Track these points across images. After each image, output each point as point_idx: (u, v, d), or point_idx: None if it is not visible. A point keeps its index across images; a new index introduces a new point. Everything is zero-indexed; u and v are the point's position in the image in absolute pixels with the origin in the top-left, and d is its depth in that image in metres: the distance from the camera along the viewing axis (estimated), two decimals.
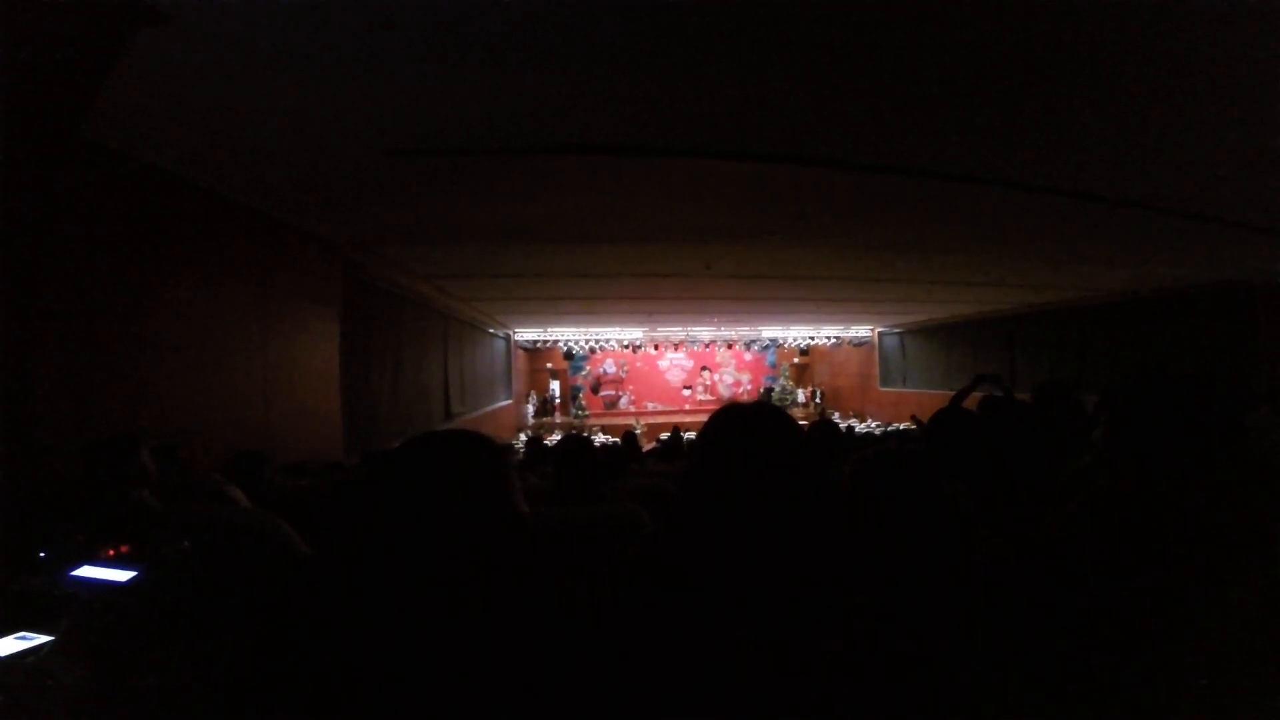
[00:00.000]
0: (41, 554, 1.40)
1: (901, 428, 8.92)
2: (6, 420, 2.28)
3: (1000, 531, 1.30)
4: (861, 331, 14.80)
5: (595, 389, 16.00)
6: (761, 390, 16.20)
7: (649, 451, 6.83)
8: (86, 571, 1.35)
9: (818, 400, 15.78)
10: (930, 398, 11.36)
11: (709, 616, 0.78)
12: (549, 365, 15.41)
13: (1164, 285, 7.66)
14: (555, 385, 15.52)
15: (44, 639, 1.13)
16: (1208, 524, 1.08)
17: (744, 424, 0.91)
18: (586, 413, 15.24)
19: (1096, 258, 5.96)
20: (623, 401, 16.14)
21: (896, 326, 14.06)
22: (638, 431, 8.97)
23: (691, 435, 6.34)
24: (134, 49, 1.92)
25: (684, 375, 16.42)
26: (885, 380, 14.80)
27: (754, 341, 15.07)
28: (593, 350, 14.45)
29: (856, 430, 10.39)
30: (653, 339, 14.24)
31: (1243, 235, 4.62)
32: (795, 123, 2.77)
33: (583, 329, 13.54)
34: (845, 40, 2.08)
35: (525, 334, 13.70)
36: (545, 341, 14.06)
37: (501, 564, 0.83)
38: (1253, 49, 2.07)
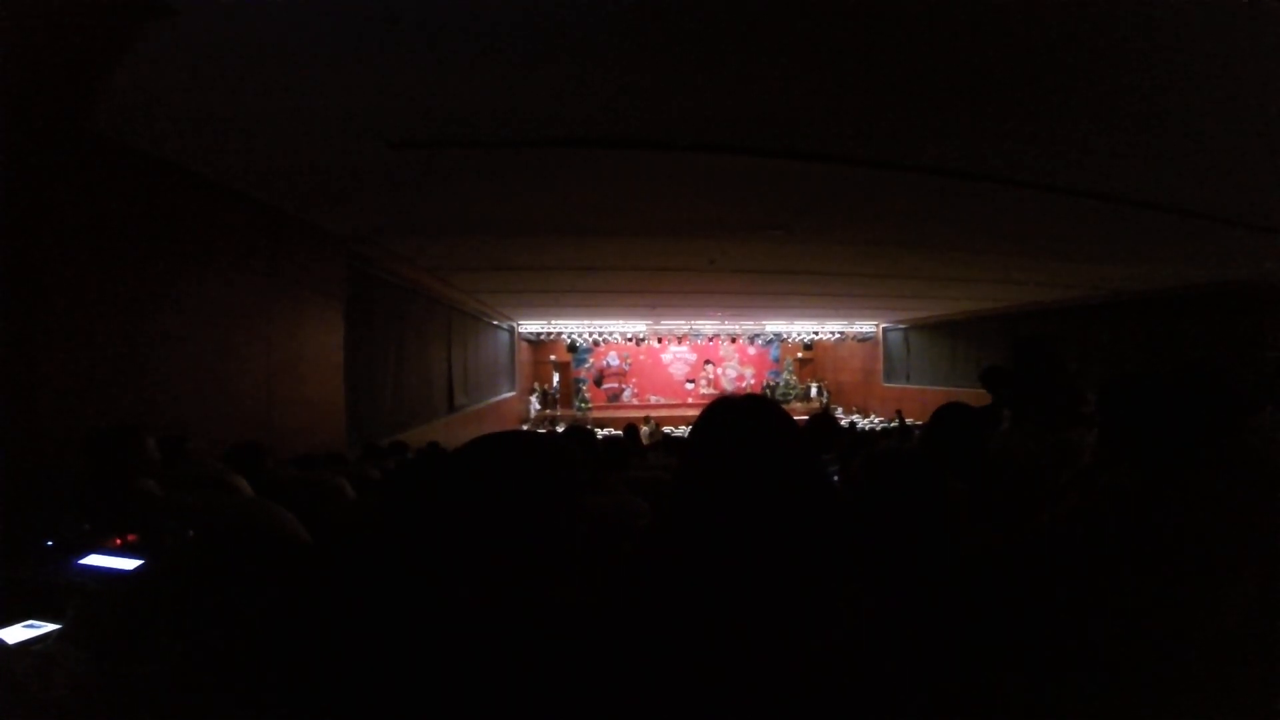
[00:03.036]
0: (48, 543, 1.41)
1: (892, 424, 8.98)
2: (12, 411, 2.30)
3: (1000, 528, 1.31)
4: (865, 327, 14.74)
5: (598, 382, 16.02)
6: (765, 385, 16.18)
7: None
8: (93, 560, 1.35)
9: (823, 398, 15.75)
10: (934, 394, 11.31)
11: (704, 610, 0.78)
12: (552, 357, 15.42)
13: (1168, 284, 7.62)
14: (556, 377, 15.54)
15: (50, 627, 1.13)
16: (1206, 522, 1.08)
17: (732, 416, 0.92)
18: (589, 405, 15.25)
19: (1101, 256, 5.93)
20: (625, 394, 16.15)
21: (901, 322, 13.99)
22: (648, 428, 8.97)
23: None
24: (139, 42, 1.92)
25: (687, 369, 16.42)
26: (889, 376, 14.69)
27: (757, 336, 15.05)
28: (596, 343, 14.44)
29: (859, 426, 10.39)
30: (656, 332, 14.24)
31: (1247, 235, 4.59)
32: (801, 118, 2.76)
33: (586, 321, 13.56)
34: (851, 35, 2.07)
35: (529, 326, 13.71)
36: (549, 333, 14.07)
37: (537, 579, 0.80)
38: (1255, 47, 2.05)
